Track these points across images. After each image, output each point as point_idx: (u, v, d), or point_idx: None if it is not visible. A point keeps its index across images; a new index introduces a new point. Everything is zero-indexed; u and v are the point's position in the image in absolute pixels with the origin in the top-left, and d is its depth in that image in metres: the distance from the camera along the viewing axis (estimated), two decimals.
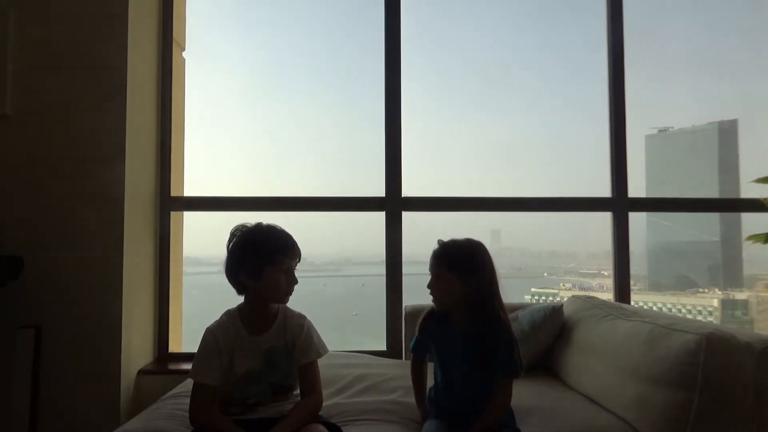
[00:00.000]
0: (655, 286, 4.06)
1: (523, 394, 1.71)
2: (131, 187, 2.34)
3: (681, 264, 4.18)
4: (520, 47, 3.62)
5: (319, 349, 1.55)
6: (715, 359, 1.43)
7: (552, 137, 3.42)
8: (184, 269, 2.82)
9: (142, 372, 2.41)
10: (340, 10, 3.41)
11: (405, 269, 2.64)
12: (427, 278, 1.56)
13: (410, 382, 1.69)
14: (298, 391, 1.56)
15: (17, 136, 2.28)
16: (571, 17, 3.39)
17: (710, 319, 3.85)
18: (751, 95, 3.37)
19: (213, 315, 1.57)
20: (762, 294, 3.90)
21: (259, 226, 1.52)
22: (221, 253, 1.53)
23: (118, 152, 2.28)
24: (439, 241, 1.57)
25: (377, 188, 2.70)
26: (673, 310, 3.92)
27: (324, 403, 1.58)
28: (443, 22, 3.40)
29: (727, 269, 4.09)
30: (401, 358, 2.52)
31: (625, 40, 2.80)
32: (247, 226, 1.53)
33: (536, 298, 3.86)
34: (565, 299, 2.45)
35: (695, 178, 4.07)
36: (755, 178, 2.17)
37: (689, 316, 3.66)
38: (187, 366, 2.03)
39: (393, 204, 2.68)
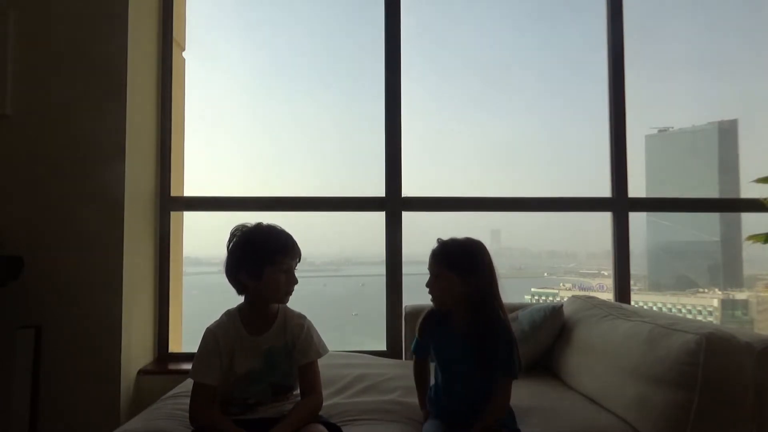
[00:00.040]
0: (655, 286, 4.06)
1: (523, 394, 1.71)
2: (131, 187, 2.34)
3: (681, 264, 4.18)
4: (520, 47, 3.62)
5: (319, 349, 1.55)
6: (715, 359, 1.43)
7: (552, 137, 3.42)
8: (184, 269, 2.82)
9: (142, 372, 2.42)
10: (340, 10, 3.42)
11: (405, 269, 2.64)
12: (427, 278, 1.56)
13: (410, 382, 1.69)
14: (298, 391, 1.56)
15: (17, 136, 2.28)
16: (571, 17, 3.39)
17: (710, 319, 3.85)
18: (751, 95, 3.37)
19: (213, 315, 1.57)
20: (762, 294, 3.90)
21: (259, 226, 1.52)
22: (221, 253, 1.53)
23: (118, 152, 2.28)
24: (438, 239, 1.56)
25: (377, 188, 2.70)
26: (673, 310, 3.92)
27: (324, 403, 1.58)
28: (443, 22, 3.41)
29: (727, 269, 4.09)
30: (401, 358, 2.52)
31: (625, 40, 2.80)
32: (247, 226, 1.53)
33: (536, 298, 3.86)
34: (565, 299, 2.45)
35: (695, 178, 4.07)
36: (755, 178, 2.17)
37: (689, 316, 3.66)
38: (187, 366, 2.03)
39: (393, 204, 2.68)
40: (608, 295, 2.74)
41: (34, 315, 2.21)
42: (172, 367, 2.49)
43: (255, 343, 1.50)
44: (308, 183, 3.14)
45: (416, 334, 1.62)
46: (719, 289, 3.98)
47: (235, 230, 1.53)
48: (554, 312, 2.21)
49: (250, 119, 3.36)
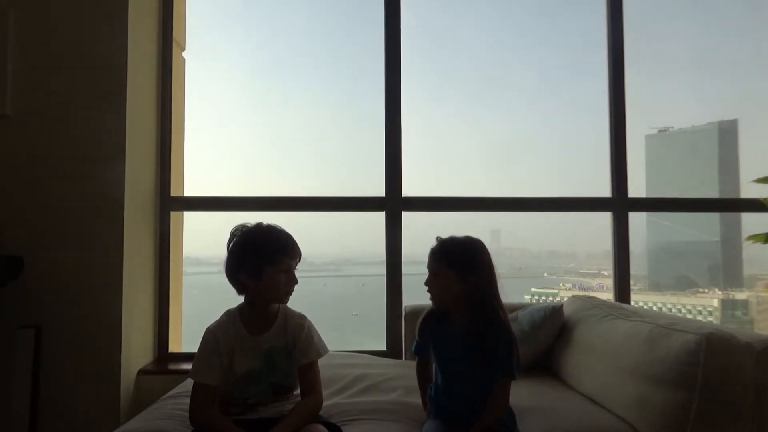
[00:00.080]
0: (655, 286, 4.06)
1: (523, 394, 1.71)
2: (131, 187, 2.34)
3: (681, 264, 4.18)
4: (520, 46, 3.62)
5: (320, 349, 1.55)
6: (715, 359, 1.43)
7: (552, 137, 3.42)
8: (184, 269, 2.82)
9: (142, 372, 2.42)
10: (340, 10, 3.42)
11: (405, 269, 2.64)
12: (427, 277, 1.55)
13: (410, 382, 1.69)
14: (298, 391, 1.56)
15: (17, 136, 2.28)
16: (571, 17, 3.39)
17: (710, 319, 3.85)
18: (751, 95, 3.37)
19: (213, 315, 1.57)
20: (762, 294, 3.90)
21: (259, 226, 1.52)
22: (221, 253, 1.53)
23: (118, 152, 2.28)
24: (437, 238, 1.56)
25: (377, 188, 2.70)
26: (673, 310, 3.92)
27: (324, 403, 1.58)
28: (443, 22, 3.41)
29: (727, 269, 4.09)
30: (401, 358, 2.52)
31: (625, 39, 2.80)
32: (247, 226, 1.53)
33: (536, 298, 3.86)
34: (565, 299, 2.45)
35: (695, 178, 4.06)
36: (755, 178, 2.17)
37: (689, 316, 3.66)
38: (187, 366, 2.03)
39: (393, 204, 2.68)
40: (608, 295, 2.74)
41: (34, 315, 2.21)
42: (172, 367, 2.49)
43: (255, 343, 1.50)
44: (308, 183, 3.14)
45: (416, 335, 1.62)
46: (719, 289, 3.98)
47: (235, 230, 1.53)
48: (554, 312, 2.21)
49: (250, 119, 3.36)
